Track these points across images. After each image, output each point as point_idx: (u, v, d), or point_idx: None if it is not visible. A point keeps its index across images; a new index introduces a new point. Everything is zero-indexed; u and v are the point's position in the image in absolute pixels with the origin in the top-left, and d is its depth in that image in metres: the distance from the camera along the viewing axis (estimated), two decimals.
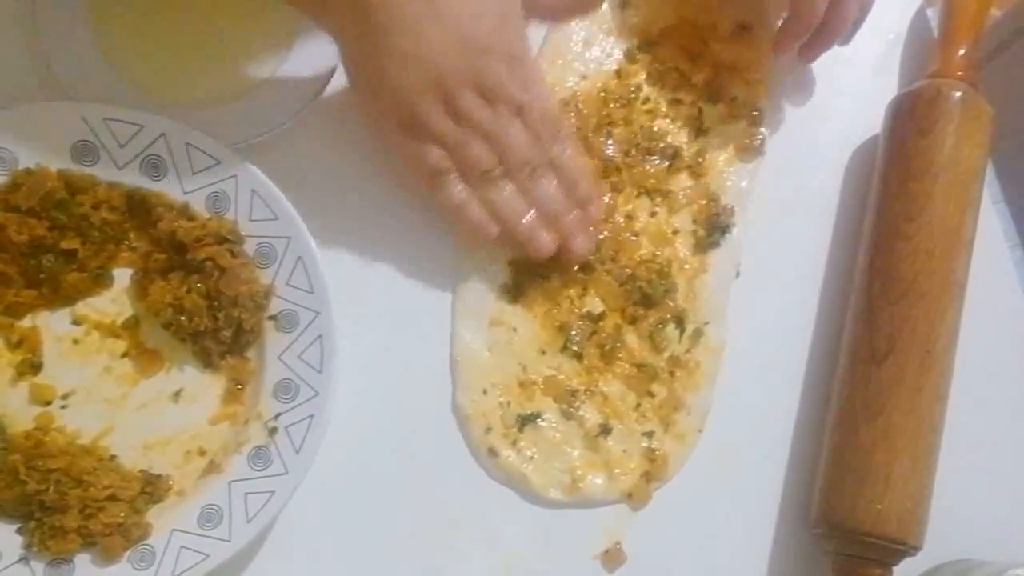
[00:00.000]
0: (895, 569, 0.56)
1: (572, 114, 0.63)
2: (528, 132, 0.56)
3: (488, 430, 0.58)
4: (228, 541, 0.52)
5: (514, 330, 0.60)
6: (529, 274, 0.60)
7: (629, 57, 0.65)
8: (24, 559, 0.51)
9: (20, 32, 0.59)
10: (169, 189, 0.56)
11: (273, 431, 0.54)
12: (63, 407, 0.55)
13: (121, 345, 0.56)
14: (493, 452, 0.58)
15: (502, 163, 0.56)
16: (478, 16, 0.53)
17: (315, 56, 0.60)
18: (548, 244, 0.58)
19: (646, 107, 0.64)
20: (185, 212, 0.56)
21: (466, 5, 0.52)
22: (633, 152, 0.63)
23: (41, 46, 0.58)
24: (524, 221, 0.58)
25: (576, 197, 0.59)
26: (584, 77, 0.64)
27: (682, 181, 0.63)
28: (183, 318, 0.55)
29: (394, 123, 0.56)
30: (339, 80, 0.59)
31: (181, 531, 0.52)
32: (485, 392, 0.58)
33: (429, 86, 0.53)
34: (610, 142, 0.63)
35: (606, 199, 0.62)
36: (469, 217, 0.57)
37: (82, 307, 0.56)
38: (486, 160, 0.56)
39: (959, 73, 0.61)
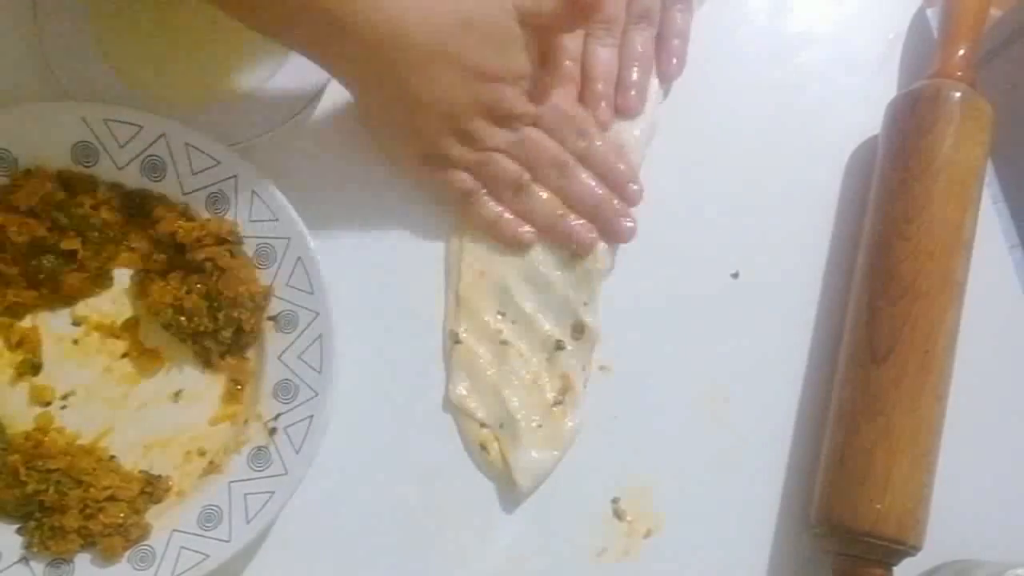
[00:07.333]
0: (895, 569, 0.55)
1: None
2: (548, 136, 0.58)
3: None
4: (228, 541, 0.52)
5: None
6: None
7: None
8: (24, 559, 0.51)
9: (20, 32, 0.59)
10: (169, 190, 0.56)
11: (273, 431, 0.54)
12: (63, 407, 0.55)
13: (121, 345, 0.56)
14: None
15: (530, 170, 0.58)
16: (480, 47, 0.54)
17: None
18: (589, 240, 0.59)
19: None
20: (185, 213, 0.56)
21: (470, 38, 0.54)
22: None
23: (41, 46, 0.58)
24: (562, 221, 0.58)
25: (612, 183, 0.59)
26: None
27: None
28: (183, 318, 0.55)
29: (417, 160, 0.59)
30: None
31: (181, 531, 0.52)
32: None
33: (444, 125, 0.56)
34: None
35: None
36: (503, 231, 0.59)
37: (82, 307, 0.56)
38: (512, 172, 0.58)
39: (959, 73, 0.61)
